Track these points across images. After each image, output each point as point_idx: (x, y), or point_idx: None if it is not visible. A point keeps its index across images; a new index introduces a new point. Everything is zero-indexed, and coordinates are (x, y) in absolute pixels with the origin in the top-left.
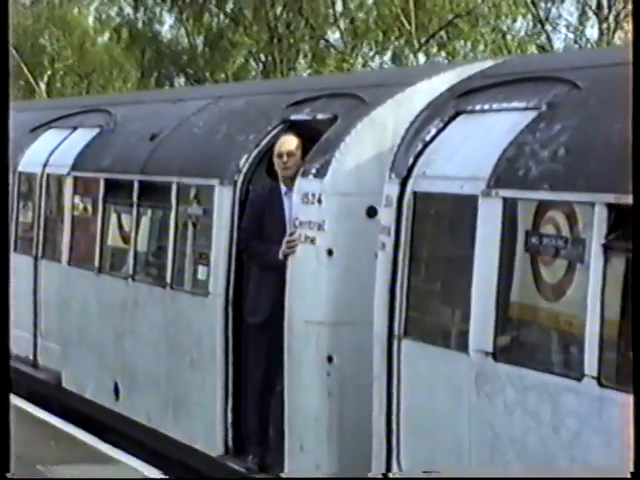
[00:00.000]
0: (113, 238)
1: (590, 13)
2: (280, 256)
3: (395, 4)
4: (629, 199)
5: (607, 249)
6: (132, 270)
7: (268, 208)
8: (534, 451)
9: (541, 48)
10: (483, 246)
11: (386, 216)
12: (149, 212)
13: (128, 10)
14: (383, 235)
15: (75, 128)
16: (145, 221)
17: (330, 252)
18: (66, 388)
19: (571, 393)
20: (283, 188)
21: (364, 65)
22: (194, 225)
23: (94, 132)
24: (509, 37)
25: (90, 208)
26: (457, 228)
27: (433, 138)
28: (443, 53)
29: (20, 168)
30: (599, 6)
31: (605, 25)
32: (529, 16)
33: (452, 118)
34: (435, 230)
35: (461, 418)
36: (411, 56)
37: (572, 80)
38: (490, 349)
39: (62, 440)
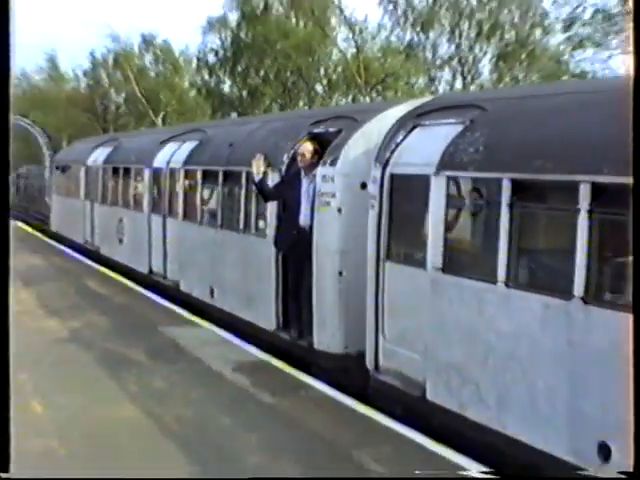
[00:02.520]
0: (208, 204)
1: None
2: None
3: (352, 69)
4: (530, 176)
5: (511, 207)
6: (220, 222)
7: (293, 183)
8: None
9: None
10: (435, 205)
11: (373, 189)
12: (229, 189)
13: (206, 77)
14: (372, 200)
15: (185, 141)
16: (226, 195)
17: (340, 210)
18: (182, 290)
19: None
20: (302, 174)
21: (336, 104)
22: (256, 196)
23: (196, 143)
24: (415, 88)
25: (194, 187)
26: (417, 195)
27: (401, 141)
28: (380, 97)
29: (154, 165)
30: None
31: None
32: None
33: (411, 129)
34: (404, 196)
35: (420, 307)
36: (361, 99)
37: (482, 106)
38: (440, 266)
39: (176, 316)
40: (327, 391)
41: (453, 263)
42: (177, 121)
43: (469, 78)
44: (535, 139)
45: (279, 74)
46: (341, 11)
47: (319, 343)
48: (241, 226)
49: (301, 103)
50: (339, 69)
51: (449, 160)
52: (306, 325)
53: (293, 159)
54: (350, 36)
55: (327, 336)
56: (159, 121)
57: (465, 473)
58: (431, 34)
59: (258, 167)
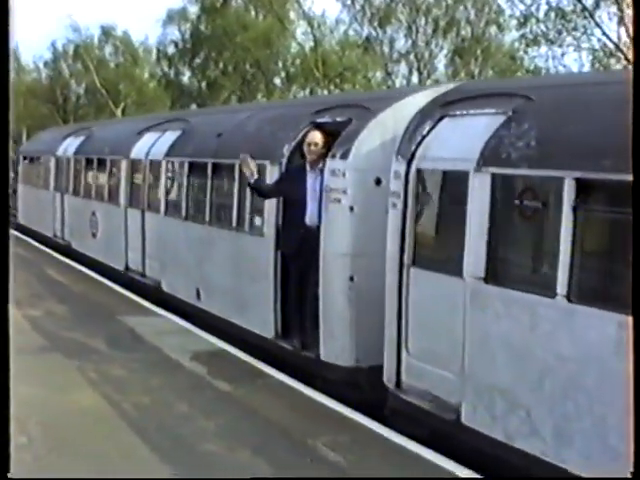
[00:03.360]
0: (194, 199)
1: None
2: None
3: (310, 62)
4: (599, 176)
5: (575, 210)
6: (209, 218)
7: (297, 178)
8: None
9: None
10: (476, 205)
11: (395, 185)
12: (219, 183)
13: (165, 68)
14: (393, 198)
15: (165, 131)
16: (216, 189)
17: (351, 208)
18: (164, 290)
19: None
20: (308, 167)
21: (294, 97)
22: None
23: (178, 133)
24: (373, 82)
25: (178, 180)
26: (451, 193)
27: (428, 133)
28: (337, 91)
29: (132, 156)
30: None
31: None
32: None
33: (439, 120)
34: (434, 194)
35: (455, 320)
36: (319, 91)
37: (526, 95)
38: (482, 275)
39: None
40: (284, 379)
41: (498, 272)
42: (137, 112)
43: (425, 73)
44: (601, 133)
45: (238, 66)
46: (300, 5)
47: (327, 355)
48: (234, 223)
49: (259, 95)
50: (297, 62)
51: (493, 155)
52: (310, 334)
53: (294, 151)
54: (308, 30)
55: (336, 347)
56: (119, 112)
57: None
58: (388, 29)
59: (250, 169)
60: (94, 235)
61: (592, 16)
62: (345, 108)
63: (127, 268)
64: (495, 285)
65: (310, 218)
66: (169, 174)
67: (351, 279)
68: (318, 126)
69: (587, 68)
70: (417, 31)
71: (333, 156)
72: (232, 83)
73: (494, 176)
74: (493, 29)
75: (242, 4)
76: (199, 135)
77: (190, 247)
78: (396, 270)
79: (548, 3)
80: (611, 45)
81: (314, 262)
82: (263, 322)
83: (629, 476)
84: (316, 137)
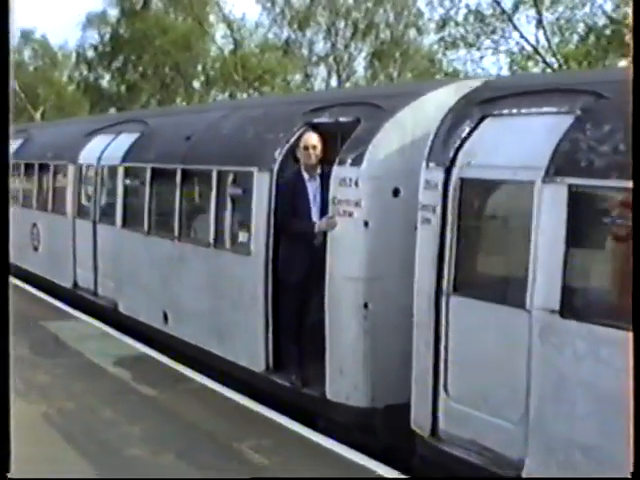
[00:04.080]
0: (160, 210)
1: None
2: (316, 230)
3: (229, 65)
4: None
5: None
6: (178, 233)
7: (296, 192)
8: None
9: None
10: (547, 222)
11: (429, 197)
12: (191, 192)
13: (85, 72)
14: (425, 212)
15: (119, 133)
16: (188, 199)
17: (366, 223)
18: (122, 312)
19: None
20: (306, 175)
21: (214, 100)
22: (233, 201)
23: (135, 135)
24: (292, 85)
25: (139, 188)
26: (509, 207)
27: (468, 135)
28: (257, 94)
29: (80, 161)
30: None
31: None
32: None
33: (479, 121)
34: (484, 208)
35: (517, 360)
36: (239, 95)
37: (597, 91)
38: (556, 307)
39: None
40: (208, 383)
41: (579, 304)
42: (57, 116)
43: (344, 76)
44: None
45: (157, 70)
46: (220, 8)
47: (334, 393)
48: (211, 239)
49: (179, 99)
50: (217, 65)
51: (569, 162)
52: (312, 369)
53: (286, 156)
54: (228, 33)
55: (346, 385)
56: (38, 116)
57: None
58: (308, 32)
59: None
60: (36, 249)
61: (511, 19)
62: (349, 106)
63: (75, 285)
64: (575, 320)
65: (318, 236)
66: (127, 182)
67: (365, 306)
68: (313, 127)
69: (505, 71)
70: (336, 34)
71: (341, 162)
72: (151, 86)
73: (572, 188)
74: (412, 32)
75: (162, 7)
76: (162, 138)
77: (155, 265)
78: (429, 297)
79: (467, 6)
80: (529, 48)
81: (315, 284)
82: (250, 353)
83: (629, 476)
84: (315, 139)
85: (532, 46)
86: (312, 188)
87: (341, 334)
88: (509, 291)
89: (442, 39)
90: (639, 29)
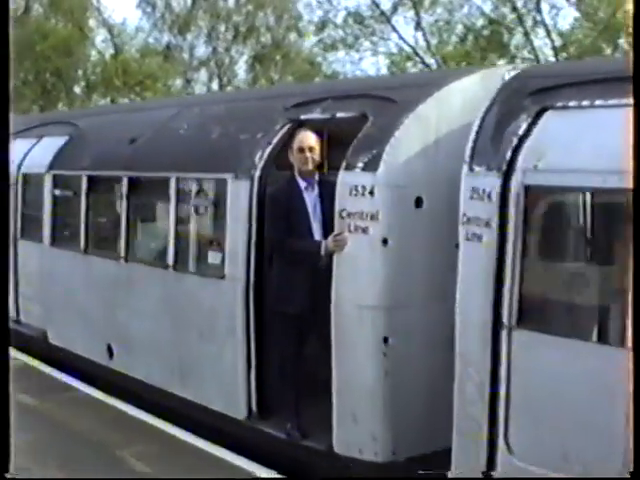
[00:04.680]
0: (101, 225)
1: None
2: (322, 252)
3: (110, 70)
4: None
5: None
6: (124, 252)
7: (292, 204)
8: None
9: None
10: None
11: (478, 208)
12: (139, 203)
13: None
14: (474, 227)
15: (42, 137)
16: (137, 212)
17: (385, 241)
18: (52, 343)
19: None
20: (302, 183)
21: (95, 105)
22: (199, 215)
23: (63, 139)
24: (172, 90)
25: (72, 199)
26: (596, 221)
27: (527, 133)
28: (138, 99)
29: None
30: None
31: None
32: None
33: (538, 114)
34: (561, 222)
35: (611, 410)
36: (120, 100)
37: None
38: None
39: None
40: (91, 392)
41: None
42: None
43: (225, 79)
44: None
45: (39, 75)
46: (100, 12)
47: (345, 446)
48: (170, 259)
49: (60, 104)
50: (98, 70)
51: None
52: (312, 416)
53: (268, 160)
54: (109, 37)
55: (361, 436)
56: None
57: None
58: (189, 36)
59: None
60: None
61: (389, 21)
62: (347, 100)
63: None
64: None
65: (322, 257)
66: (57, 192)
67: (385, 341)
68: (300, 125)
69: (384, 72)
70: (217, 37)
71: (349, 167)
72: (33, 92)
73: None
74: (293, 35)
75: (42, 13)
76: (98, 141)
77: (95, 289)
78: (481, 331)
79: (346, 9)
80: (408, 49)
81: (320, 316)
82: (226, 396)
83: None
84: (312, 139)
85: (411, 47)
86: (310, 199)
87: (354, 374)
88: (606, 328)
89: (321, 41)
90: (639, 28)
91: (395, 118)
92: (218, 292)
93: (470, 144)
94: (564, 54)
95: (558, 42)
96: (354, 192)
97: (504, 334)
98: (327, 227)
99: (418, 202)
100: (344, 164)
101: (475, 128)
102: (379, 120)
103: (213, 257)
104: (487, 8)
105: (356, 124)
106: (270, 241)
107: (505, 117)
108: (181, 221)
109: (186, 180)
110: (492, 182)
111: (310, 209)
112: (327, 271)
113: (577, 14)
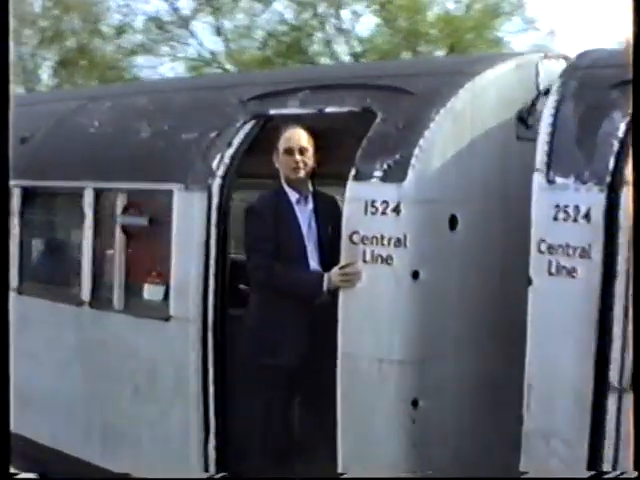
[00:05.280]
0: None
1: None
2: (325, 287)
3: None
4: None
5: None
6: (19, 282)
7: (280, 222)
8: None
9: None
10: None
11: (568, 233)
12: (40, 219)
13: None
14: (563, 257)
15: None
16: (33, 229)
17: (415, 274)
18: None
19: None
20: (292, 196)
21: None
22: (129, 236)
23: None
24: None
25: None
26: None
27: (626, 135)
28: None
29: None
30: None
31: None
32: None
33: None
34: None
35: None
36: None
37: None
38: None
39: None
40: None
41: None
42: None
43: (31, 86)
44: None
45: None
46: None
47: None
48: (85, 294)
49: None
50: None
51: None
52: None
53: (230, 166)
54: None
55: None
56: None
57: None
58: None
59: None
60: None
61: (187, 26)
62: (340, 90)
63: None
64: None
65: (324, 292)
66: None
67: (415, 405)
68: (270, 120)
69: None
70: (23, 43)
71: (360, 176)
72: None
73: None
74: (98, 39)
75: None
76: None
77: None
78: (587, 394)
79: (146, 13)
80: (207, 54)
81: (318, 370)
82: (173, 468)
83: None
84: (304, 139)
85: (211, 52)
86: (304, 216)
87: (370, 449)
88: None
89: (121, 46)
90: (639, 28)
91: (420, 114)
92: (160, 337)
93: (544, 147)
94: (363, 60)
95: (359, 48)
96: (371, 209)
97: (612, 400)
98: (325, 251)
99: (452, 222)
100: (353, 172)
101: (547, 128)
102: (394, 116)
103: (151, 292)
104: (288, 16)
105: (353, 121)
106: (252, 270)
107: (590, 115)
108: (101, 244)
109: (109, 192)
110: (590, 198)
111: (304, 229)
112: (325, 310)
113: (378, 20)
